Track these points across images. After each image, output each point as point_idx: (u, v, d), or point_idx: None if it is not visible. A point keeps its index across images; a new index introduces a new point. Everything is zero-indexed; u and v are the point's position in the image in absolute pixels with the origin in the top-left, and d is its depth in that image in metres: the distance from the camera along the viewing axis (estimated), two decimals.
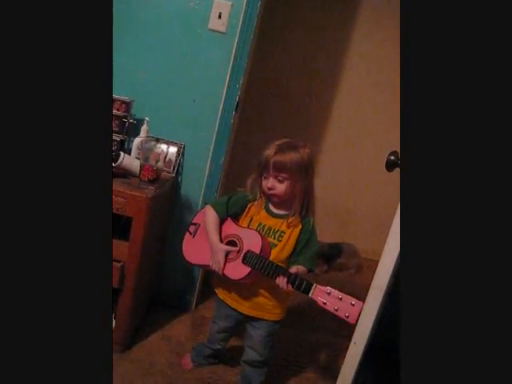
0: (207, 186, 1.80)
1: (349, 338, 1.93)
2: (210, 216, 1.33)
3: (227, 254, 1.28)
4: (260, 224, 1.29)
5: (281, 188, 1.24)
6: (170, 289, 1.95)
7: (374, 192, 3.06)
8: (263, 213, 1.31)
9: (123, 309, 1.53)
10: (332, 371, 1.72)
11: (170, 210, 1.84)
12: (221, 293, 1.41)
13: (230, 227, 1.33)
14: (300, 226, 1.27)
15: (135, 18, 1.67)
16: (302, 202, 1.27)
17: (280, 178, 1.24)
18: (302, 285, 1.15)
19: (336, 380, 1.20)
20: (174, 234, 1.87)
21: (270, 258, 1.25)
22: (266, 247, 1.25)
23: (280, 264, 1.22)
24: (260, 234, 1.24)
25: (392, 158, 1.06)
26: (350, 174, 3.09)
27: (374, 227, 3.05)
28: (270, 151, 1.24)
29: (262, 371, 1.45)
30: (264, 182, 1.27)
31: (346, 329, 2.07)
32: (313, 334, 2.02)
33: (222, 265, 1.27)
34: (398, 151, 1.09)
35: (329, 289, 1.12)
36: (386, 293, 1.12)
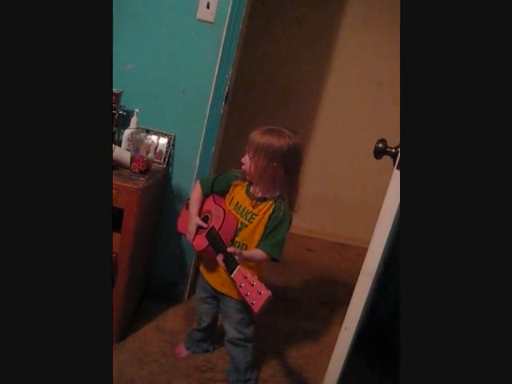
0: (198, 176, 1.80)
1: (338, 323, 1.97)
2: (194, 191, 1.45)
3: (201, 227, 1.36)
4: (237, 203, 1.35)
5: (247, 165, 1.31)
6: (163, 279, 1.96)
7: (362, 181, 3.09)
8: (243, 193, 1.36)
9: (116, 300, 1.53)
10: (323, 358, 1.75)
11: (162, 201, 1.85)
12: (201, 267, 1.50)
13: (209, 203, 1.41)
14: (270, 212, 1.30)
15: (123, 8, 1.66)
16: (270, 187, 1.31)
17: (250, 155, 1.30)
18: (229, 264, 1.19)
19: (327, 365, 1.22)
20: (165, 224, 1.88)
21: (240, 239, 1.31)
22: (228, 226, 1.30)
23: (242, 245, 1.30)
24: (224, 213, 1.30)
25: (380, 145, 1.07)
26: (339, 164, 3.11)
27: (363, 216, 3.08)
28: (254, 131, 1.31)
29: (247, 351, 1.47)
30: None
31: (335, 315, 2.12)
32: (304, 322, 2.04)
33: (192, 235, 1.37)
34: (387, 139, 1.11)
35: (248, 274, 1.14)
36: (376, 279, 1.14)
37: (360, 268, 1.13)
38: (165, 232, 1.89)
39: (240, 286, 1.13)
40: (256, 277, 1.13)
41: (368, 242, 1.15)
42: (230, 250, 1.21)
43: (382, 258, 1.08)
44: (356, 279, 1.13)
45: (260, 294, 1.08)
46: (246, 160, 1.32)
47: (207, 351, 1.66)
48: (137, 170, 1.52)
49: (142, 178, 1.49)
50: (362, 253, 3.23)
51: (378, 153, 1.08)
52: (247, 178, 1.34)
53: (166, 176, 1.80)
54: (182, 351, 1.63)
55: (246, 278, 1.13)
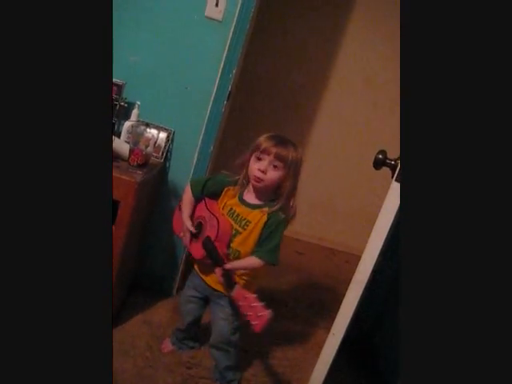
0: (195, 173, 1.80)
1: (323, 327, 1.98)
2: (186, 194, 1.42)
3: (198, 232, 1.35)
4: (231, 209, 1.34)
5: (272, 175, 1.27)
6: (152, 273, 1.96)
7: (356, 189, 3.11)
8: (236, 199, 1.35)
9: None
10: (306, 360, 1.77)
11: (157, 196, 1.85)
12: (195, 265, 1.48)
13: (202, 209, 1.39)
14: (266, 219, 1.29)
15: (134, 1, 1.65)
16: (268, 194, 1.32)
17: (277, 165, 1.26)
18: (228, 281, 1.23)
19: (312, 368, 1.24)
20: (158, 219, 1.88)
21: (234, 245, 1.31)
22: (223, 234, 1.29)
23: (232, 253, 1.31)
24: (218, 222, 1.29)
25: (380, 156, 1.08)
26: (334, 170, 3.13)
27: (354, 222, 3.12)
28: (268, 140, 1.27)
29: (229, 355, 1.48)
30: (256, 165, 1.28)
31: (320, 318, 2.14)
32: (288, 324, 2.05)
33: (187, 240, 1.38)
34: (384, 148, 1.12)
35: (247, 294, 1.18)
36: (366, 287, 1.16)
37: (346, 274, 1.15)
38: (157, 226, 1.89)
39: (239, 306, 1.17)
40: (254, 296, 1.16)
41: (356, 249, 1.17)
42: (227, 266, 1.23)
43: (373, 266, 1.10)
44: (341, 285, 1.15)
45: (260, 316, 1.13)
46: (267, 169, 1.26)
47: (193, 348, 1.66)
48: (135, 163, 1.52)
49: (139, 172, 1.50)
50: (349, 259, 3.27)
51: (378, 164, 1.09)
52: (259, 185, 1.29)
53: (163, 171, 1.80)
54: (168, 346, 1.64)
55: (245, 297, 1.16)
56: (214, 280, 1.39)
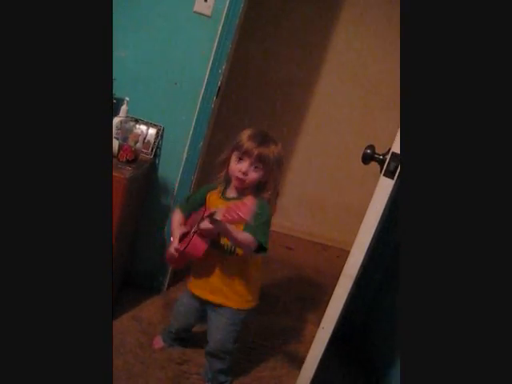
0: (184, 169, 1.80)
1: (314, 322, 1.99)
2: (174, 215, 1.46)
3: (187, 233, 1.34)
4: (216, 208, 1.32)
5: (253, 176, 1.27)
6: (143, 270, 1.95)
7: (347, 184, 3.13)
8: (218, 198, 1.36)
9: None
10: (298, 355, 1.78)
11: (146, 192, 1.84)
12: (190, 284, 1.47)
13: (192, 217, 1.41)
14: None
15: None
16: (250, 189, 1.31)
17: (257, 166, 1.26)
18: (213, 215, 1.15)
19: (302, 363, 1.24)
20: (148, 215, 1.87)
21: (226, 240, 1.28)
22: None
23: None
24: (205, 210, 1.29)
25: (368, 151, 1.10)
26: (325, 165, 3.14)
27: (344, 217, 3.13)
28: (250, 140, 1.26)
29: (224, 361, 1.48)
30: (238, 166, 1.27)
31: (311, 313, 2.15)
32: (279, 319, 2.06)
33: (175, 240, 1.34)
34: (373, 144, 1.13)
35: (229, 204, 1.12)
36: (355, 282, 1.17)
37: (337, 269, 1.15)
38: (147, 223, 1.88)
39: (228, 215, 1.09)
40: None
41: (347, 244, 1.17)
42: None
43: (362, 261, 1.11)
44: (332, 280, 1.16)
45: (245, 204, 1.07)
46: (247, 171, 1.26)
47: (185, 346, 1.66)
48: (124, 159, 1.51)
49: (128, 168, 1.49)
50: (340, 254, 3.28)
51: (366, 158, 1.10)
52: (241, 186, 1.30)
53: (153, 167, 1.80)
54: (159, 342, 1.63)
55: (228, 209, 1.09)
56: (210, 290, 1.38)
